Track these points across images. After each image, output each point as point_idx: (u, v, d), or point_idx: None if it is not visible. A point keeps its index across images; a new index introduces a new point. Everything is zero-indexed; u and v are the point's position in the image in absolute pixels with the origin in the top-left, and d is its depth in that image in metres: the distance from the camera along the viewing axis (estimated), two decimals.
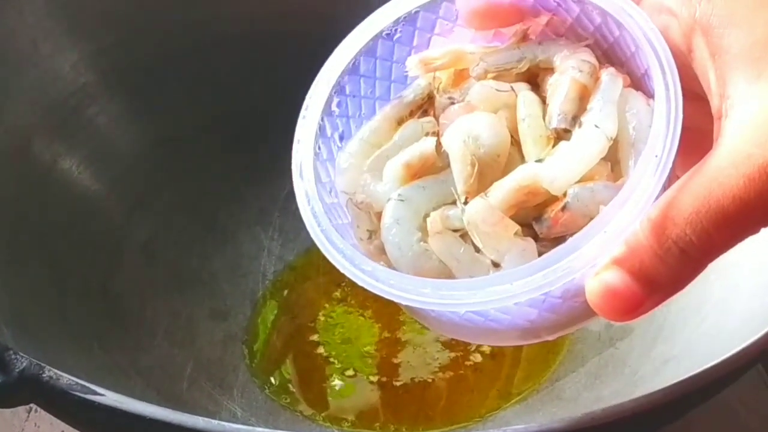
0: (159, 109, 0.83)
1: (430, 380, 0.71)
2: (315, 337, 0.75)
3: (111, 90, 0.81)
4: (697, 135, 0.39)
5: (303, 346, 0.75)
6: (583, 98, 0.42)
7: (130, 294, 0.75)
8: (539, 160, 0.41)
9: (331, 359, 0.73)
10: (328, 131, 0.46)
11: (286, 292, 0.80)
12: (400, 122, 0.46)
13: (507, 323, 0.42)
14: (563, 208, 0.40)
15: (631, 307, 0.38)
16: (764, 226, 0.37)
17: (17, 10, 0.76)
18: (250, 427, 0.49)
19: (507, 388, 0.71)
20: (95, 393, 0.50)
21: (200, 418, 0.49)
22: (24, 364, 0.51)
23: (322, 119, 0.46)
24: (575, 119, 0.41)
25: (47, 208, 0.73)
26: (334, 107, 0.47)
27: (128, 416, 0.49)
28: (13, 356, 0.51)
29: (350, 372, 0.72)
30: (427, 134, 0.44)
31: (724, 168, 0.36)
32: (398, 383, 0.71)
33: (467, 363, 0.73)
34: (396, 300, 0.40)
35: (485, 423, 0.68)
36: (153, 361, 0.70)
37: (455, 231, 0.41)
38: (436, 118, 0.45)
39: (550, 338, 0.43)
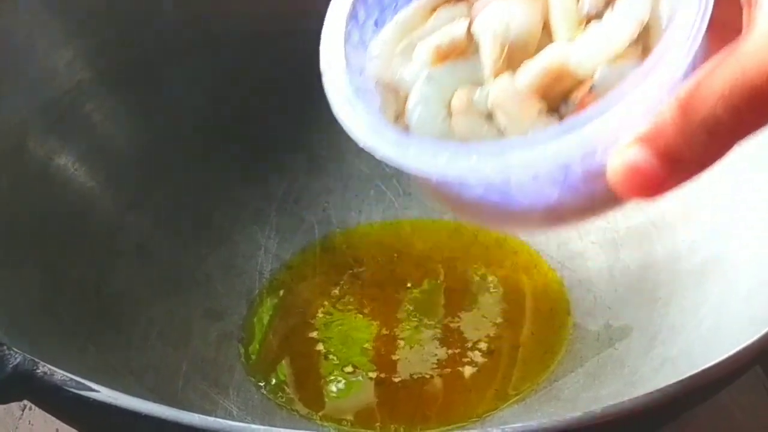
0: (155, 107, 0.82)
1: (428, 376, 0.71)
2: (314, 335, 0.75)
3: (107, 87, 0.81)
4: (723, 31, 0.39)
5: (300, 344, 0.75)
6: None
7: (124, 293, 0.74)
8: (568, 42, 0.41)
9: (330, 356, 0.73)
10: (361, 17, 0.46)
11: (282, 291, 0.79)
12: (434, 10, 0.46)
13: (527, 203, 0.42)
14: (590, 90, 0.40)
15: (653, 185, 0.38)
16: None
17: (13, 7, 0.76)
18: (246, 425, 0.48)
19: (505, 388, 0.71)
20: (90, 389, 0.50)
21: (196, 414, 0.49)
22: (18, 359, 0.50)
23: (354, 6, 0.46)
24: (608, 3, 0.41)
25: (42, 206, 0.73)
26: None
27: (123, 413, 0.49)
28: (6, 352, 0.51)
29: (349, 369, 0.72)
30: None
31: (759, 49, 0.36)
32: (397, 380, 0.71)
33: (464, 360, 0.72)
34: (414, 171, 0.41)
35: (483, 423, 0.68)
36: (147, 360, 0.70)
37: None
38: (471, 5, 0.45)
39: (573, 223, 0.43)
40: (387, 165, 0.84)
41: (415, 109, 0.43)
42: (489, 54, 0.41)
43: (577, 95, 0.40)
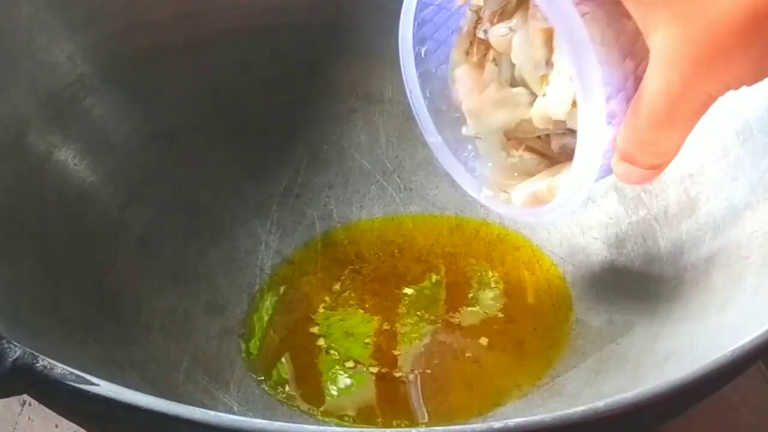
0: (156, 101, 0.82)
1: (429, 372, 0.71)
2: (315, 330, 0.75)
3: (108, 82, 0.80)
4: None
5: (301, 339, 0.74)
6: (548, 41, 0.57)
7: (125, 287, 0.74)
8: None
9: (331, 351, 0.72)
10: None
11: (283, 287, 0.79)
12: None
13: None
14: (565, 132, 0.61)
15: (646, 178, 0.58)
16: None
17: (13, 0, 0.76)
18: (247, 419, 0.48)
19: (507, 384, 0.70)
20: (90, 383, 0.49)
21: (197, 409, 0.48)
22: (17, 353, 0.50)
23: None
24: (548, 63, 0.58)
25: (42, 200, 0.72)
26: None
27: (123, 407, 0.49)
28: (6, 345, 0.50)
29: (350, 364, 0.71)
30: None
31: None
32: (398, 375, 0.70)
33: (466, 355, 0.72)
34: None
35: (485, 418, 0.67)
36: (148, 354, 0.70)
37: None
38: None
39: None
40: (388, 161, 0.85)
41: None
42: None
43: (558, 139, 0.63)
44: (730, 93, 0.74)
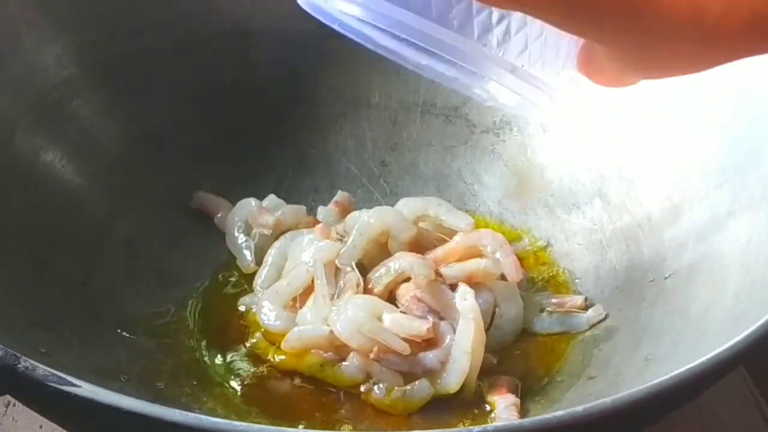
0: (143, 103, 0.82)
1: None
2: None
3: (95, 83, 0.81)
4: None
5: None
6: None
7: (110, 288, 0.74)
8: None
9: None
10: None
11: None
12: None
13: None
14: None
15: None
16: None
17: (1, 1, 0.76)
18: (226, 420, 0.48)
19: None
20: (71, 384, 0.50)
21: (177, 410, 0.48)
22: None
23: None
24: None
25: (29, 202, 0.72)
26: None
27: (104, 408, 0.49)
28: None
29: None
30: None
31: None
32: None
33: None
34: None
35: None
36: (133, 357, 0.69)
37: None
38: None
39: None
40: (374, 165, 0.85)
41: None
42: None
43: None
44: (717, 102, 0.75)
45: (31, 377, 0.50)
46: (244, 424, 0.48)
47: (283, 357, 0.72)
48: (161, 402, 0.50)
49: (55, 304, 0.69)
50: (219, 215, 0.82)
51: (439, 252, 0.76)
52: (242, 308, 0.77)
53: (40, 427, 0.71)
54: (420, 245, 0.76)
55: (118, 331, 0.71)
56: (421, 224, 0.78)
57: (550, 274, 0.80)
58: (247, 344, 0.74)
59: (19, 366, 0.50)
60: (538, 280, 0.80)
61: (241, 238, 0.80)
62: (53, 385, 0.50)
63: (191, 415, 0.48)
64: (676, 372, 0.51)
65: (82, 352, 0.66)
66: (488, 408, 0.69)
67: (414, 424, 0.68)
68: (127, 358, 0.69)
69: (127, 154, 0.81)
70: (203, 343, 0.74)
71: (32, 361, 0.50)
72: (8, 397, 0.72)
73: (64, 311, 0.69)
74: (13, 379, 0.50)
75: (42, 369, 0.50)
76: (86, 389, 0.49)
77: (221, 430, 0.48)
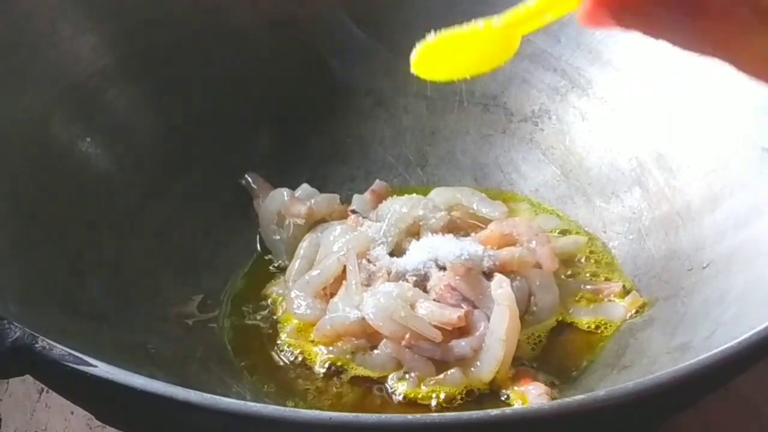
0: (178, 93, 0.83)
1: None
2: None
3: (131, 73, 0.81)
4: None
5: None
6: None
7: (143, 277, 0.74)
8: None
9: None
10: None
11: None
12: None
13: None
14: None
15: None
16: None
17: None
18: (242, 401, 0.48)
19: None
20: (88, 364, 0.50)
21: (192, 391, 0.48)
22: (17, 333, 0.50)
23: None
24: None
25: (63, 189, 0.73)
26: None
27: (120, 388, 0.49)
28: (6, 326, 0.50)
29: None
30: None
31: None
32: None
33: None
34: None
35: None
36: (163, 343, 0.69)
37: None
38: None
39: None
40: (411, 154, 0.85)
41: None
42: None
43: None
44: (757, 89, 0.73)
45: (48, 357, 0.50)
46: (258, 405, 0.47)
47: (315, 348, 0.72)
48: (189, 387, 0.50)
49: (86, 289, 0.69)
50: (259, 198, 0.82)
51: (473, 240, 0.75)
52: (273, 298, 0.76)
53: (72, 413, 0.72)
54: (452, 233, 0.75)
55: (150, 317, 0.71)
56: (453, 213, 0.78)
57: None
58: (279, 334, 0.73)
59: (37, 345, 0.50)
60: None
61: (274, 231, 0.80)
62: (70, 364, 0.50)
63: (207, 395, 0.48)
64: (701, 357, 0.50)
65: (112, 338, 0.66)
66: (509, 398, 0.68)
67: None
68: (158, 345, 0.69)
69: (161, 144, 0.81)
70: (233, 332, 0.74)
71: (49, 341, 0.50)
72: (41, 385, 0.73)
73: (96, 298, 0.69)
74: (31, 359, 0.50)
75: (59, 349, 0.50)
76: (102, 369, 0.49)
77: (236, 411, 0.48)
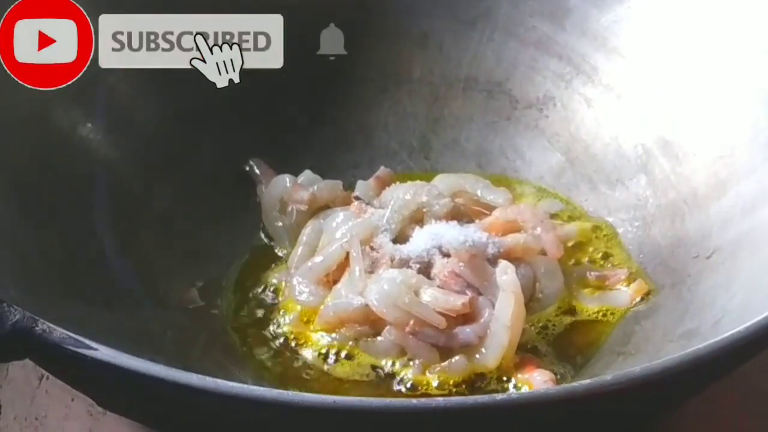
0: (180, 80, 0.81)
1: None
2: None
3: None
4: None
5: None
6: None
7: (145, 262, 0.74)
8: None
9: None
10: None
11: None
12: None
13: None
14: None
15: None
16: None
17: None
18: (242, 384, 0.47)
19: None
20: (89, 347, 0.49)
21: (194, 375, 0.48)
22: (17, 316, 0.50)
23: None
24: None
25: (65, 176, 0.72)
26: None
27: (121, 371, 0.48)
28: (6, 309, 0.50)
29: None
30: None
31: None
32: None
33: None
34: None
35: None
36: (166, 329, 0.69)
37: None
38: None
39: None
40: (415, 141, 0.84)
41: None
42: None
43: None
44: (764, 75, 0.73)
45: (48, 340, 0.50)
46: (259, 388, 0.47)
47: (317, 334, 0.72)
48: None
49: (87, 275, 0.69)
50: (263, 184, 0.81)
51: (478, 227, 0.74)
52: (275, 285, 0.76)
53: (72, 399, 0.71)
54: (456, 220, 0.75)
55: (151, 303, 0.71)
56: (457, 200, 0.77)
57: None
58: (281, 320, 0.73)
59: (36, 328, 0.50)
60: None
61: (276, 217, 0.79)
62: (71, 347, 0.49)
63: (208, 379, 0.48)
64: (708, 342, 0.50)
65: (114, 324, 0.66)
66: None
67: None
68: (160, 331, 0.69)
69: (163, 131, 0.80)
70: (236, 318, 0.74)
71: (49, 324, 0.50)
72: (42, 371, 0.72)
73: (99, 284, 0.69)
74: (31, 342, 0.50)
75: (59, 332, 0.50)
76: (103, 352, 0.49)
77: (239, 395, 0.47)
